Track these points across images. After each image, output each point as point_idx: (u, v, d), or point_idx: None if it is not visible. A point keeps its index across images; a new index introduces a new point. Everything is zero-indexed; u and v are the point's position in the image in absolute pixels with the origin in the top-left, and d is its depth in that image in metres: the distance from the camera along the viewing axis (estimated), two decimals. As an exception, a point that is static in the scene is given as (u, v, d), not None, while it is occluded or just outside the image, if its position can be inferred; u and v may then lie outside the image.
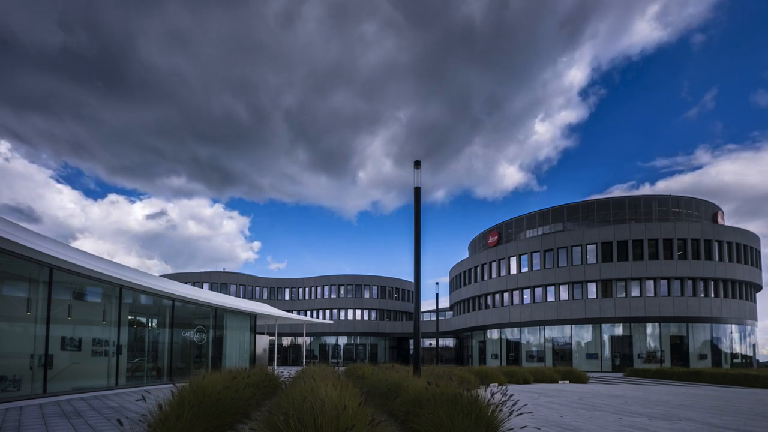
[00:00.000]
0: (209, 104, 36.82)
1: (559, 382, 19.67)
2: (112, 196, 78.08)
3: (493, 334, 38.40)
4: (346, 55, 36.38)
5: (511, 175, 69.23)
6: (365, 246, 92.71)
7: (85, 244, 69.22)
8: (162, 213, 79.71)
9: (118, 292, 11.53)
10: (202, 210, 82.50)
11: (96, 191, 69.25)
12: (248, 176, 46.82)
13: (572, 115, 67.97)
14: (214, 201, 75.69)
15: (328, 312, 50.70)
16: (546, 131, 67.74)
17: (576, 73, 65.98)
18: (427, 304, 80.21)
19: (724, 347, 30.78)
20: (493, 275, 37.94)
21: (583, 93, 72.37)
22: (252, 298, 49.64)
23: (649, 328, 30.56)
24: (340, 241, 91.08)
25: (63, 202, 61.93)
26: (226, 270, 52.12)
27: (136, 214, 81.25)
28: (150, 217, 79.02)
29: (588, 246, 31.81)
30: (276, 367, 20.31)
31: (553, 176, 73.92)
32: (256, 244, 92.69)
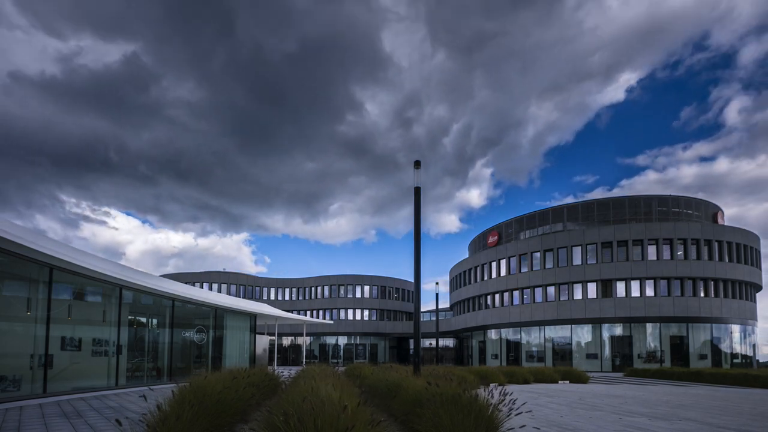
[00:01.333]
0: (230, 187, 67.34)
1: (559, 382, 19.62)
2: (160, 232, 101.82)
3: (493, 334, 38.39)
4: (321, 172, 68.17)
5: (452, 222, 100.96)
6: (363, 250, 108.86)
7: (128, 262, 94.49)
8: (195, 244, 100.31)
9: (118, 292, 11.51)
10: (219, 236, 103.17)
11: (144, 228, 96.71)
12: (257, 220, 79.81)
13: (492, 192, 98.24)
14: (231, 235, 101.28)
15: (328, 312, 50.69)
16: (473, 200, 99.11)
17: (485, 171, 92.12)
18: (427, 305, 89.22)
19: (725, 347, 30.76)
20: (493, 275, 37.93)
21: (495, 184, 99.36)
22: (252, 298, 49.62)
23: (649, 328, 30.55)
24: (338, 254, 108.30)
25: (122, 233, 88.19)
26: (226, 270, 52.13)
27: (169, 242, 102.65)
28: (176, 246, 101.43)
29: (588, 246, 31.80)
30: (276, 367, 20.30)
31: (484, 223, 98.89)
32: (267, 259, 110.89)
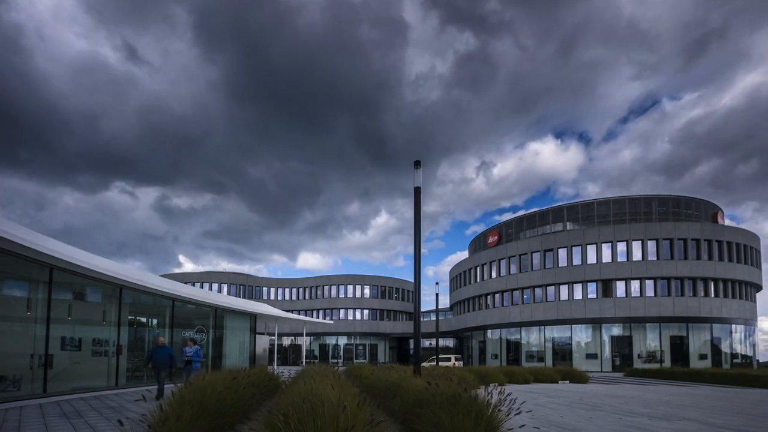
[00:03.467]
0: (249, 245, 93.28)
1: (559, 382, 19.63)
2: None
3: (493, 334, 38.37)
4: (303, 237, 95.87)
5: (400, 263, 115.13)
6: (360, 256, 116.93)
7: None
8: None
9: (118, 292, 11.51)
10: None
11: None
12: (265, 257, 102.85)
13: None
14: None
15: (328, 312, 50.65)
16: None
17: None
18: (427, 304, 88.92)
19: (725, 347, 30.74)
20: (493, 275, 37.92)
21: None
22: (252, 298, 49.59)
23: (649, 328, 30.53)
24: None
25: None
26: (226, 270, 52.11)
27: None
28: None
29: (588, 246, 31.78)
30: (276, 367, 20.28)
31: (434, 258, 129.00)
32: (279, 273, 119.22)
